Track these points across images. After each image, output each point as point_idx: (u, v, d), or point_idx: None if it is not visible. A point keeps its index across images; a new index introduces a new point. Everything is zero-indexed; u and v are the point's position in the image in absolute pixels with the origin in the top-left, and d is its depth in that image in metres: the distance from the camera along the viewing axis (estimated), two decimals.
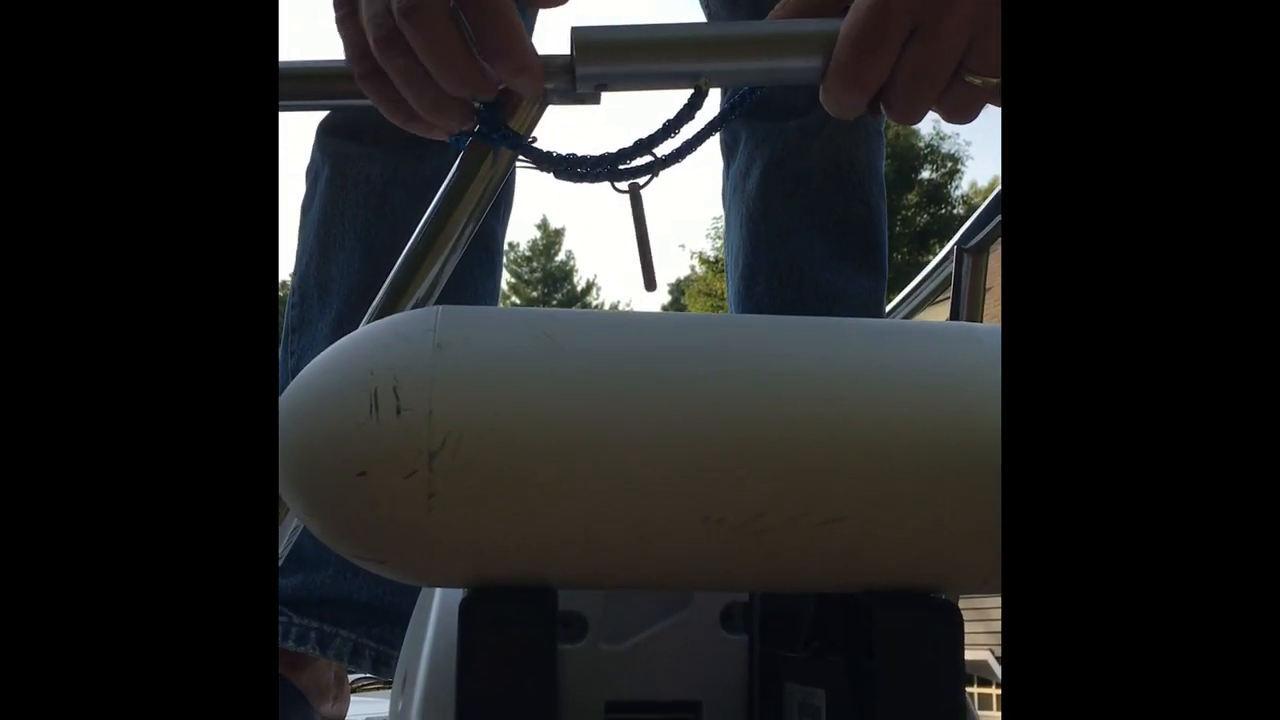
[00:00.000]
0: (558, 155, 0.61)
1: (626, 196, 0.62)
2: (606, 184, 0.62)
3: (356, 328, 0.50)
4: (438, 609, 0.55)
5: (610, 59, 0.61)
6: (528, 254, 27.24)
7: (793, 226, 1.12)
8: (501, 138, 0.61)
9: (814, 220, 1.12)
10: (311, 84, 0.68)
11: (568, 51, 0.61)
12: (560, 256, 27.39)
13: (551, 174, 0.61)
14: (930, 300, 0.99)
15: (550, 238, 27.33)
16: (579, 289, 27.04)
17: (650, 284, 0.65)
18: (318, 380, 0.45)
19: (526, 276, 26.92)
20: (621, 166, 0.61)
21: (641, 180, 0.63)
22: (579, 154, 0.61)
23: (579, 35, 0.61)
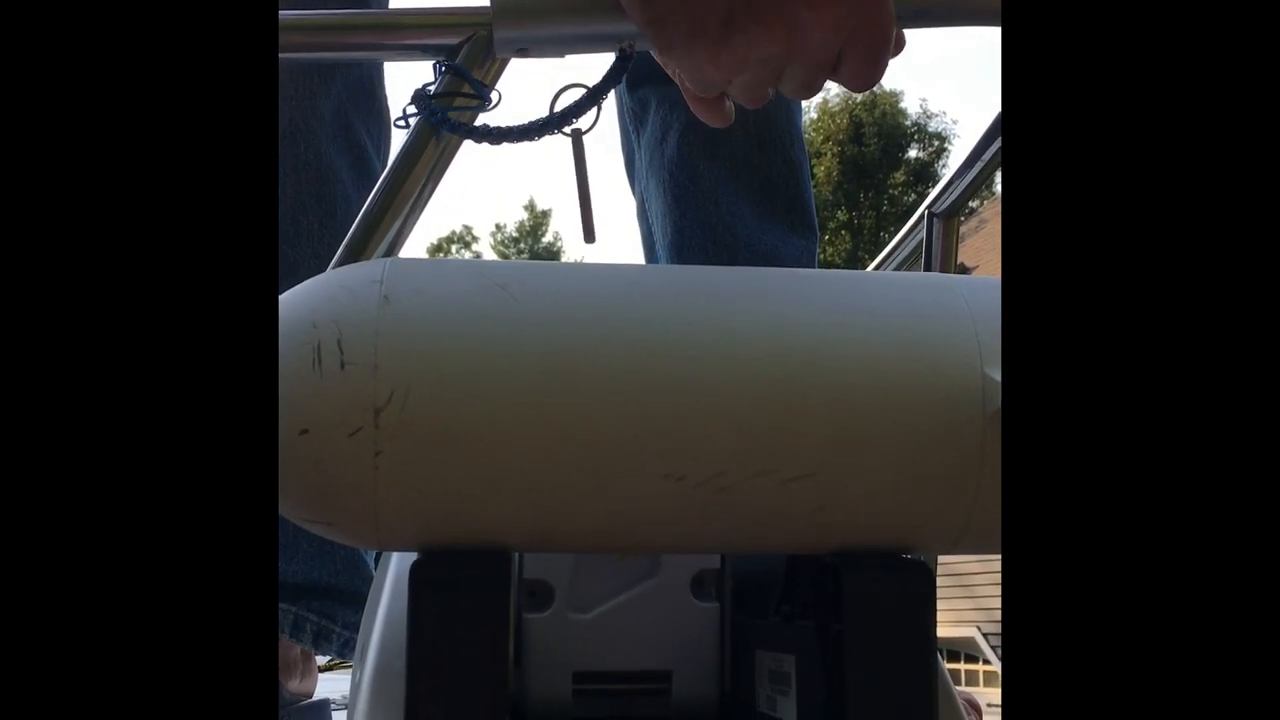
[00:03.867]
0: (484, 128, 0.60)
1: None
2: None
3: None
4: (392, 574, 0.54)
5: (530, 22, 0.59)
6: (515, 235, 27.21)
7: (719, 188, 1.10)
8: (439, 120, 0.59)
9: (738, 181, 1.11)
10: (311, 35, 0.65)
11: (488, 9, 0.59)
12: (548, 238, 27.36)
13: (488, 142, 0.60)
14: (902, 268, 0.97)
15: (537, 219, 27.31)
16: None
17: (589, 236, 0.64)
18: None
19: (514, 258, 26.90)
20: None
21: (585, 126, 0.61)
22: (503, 126, 0.60)
23: None
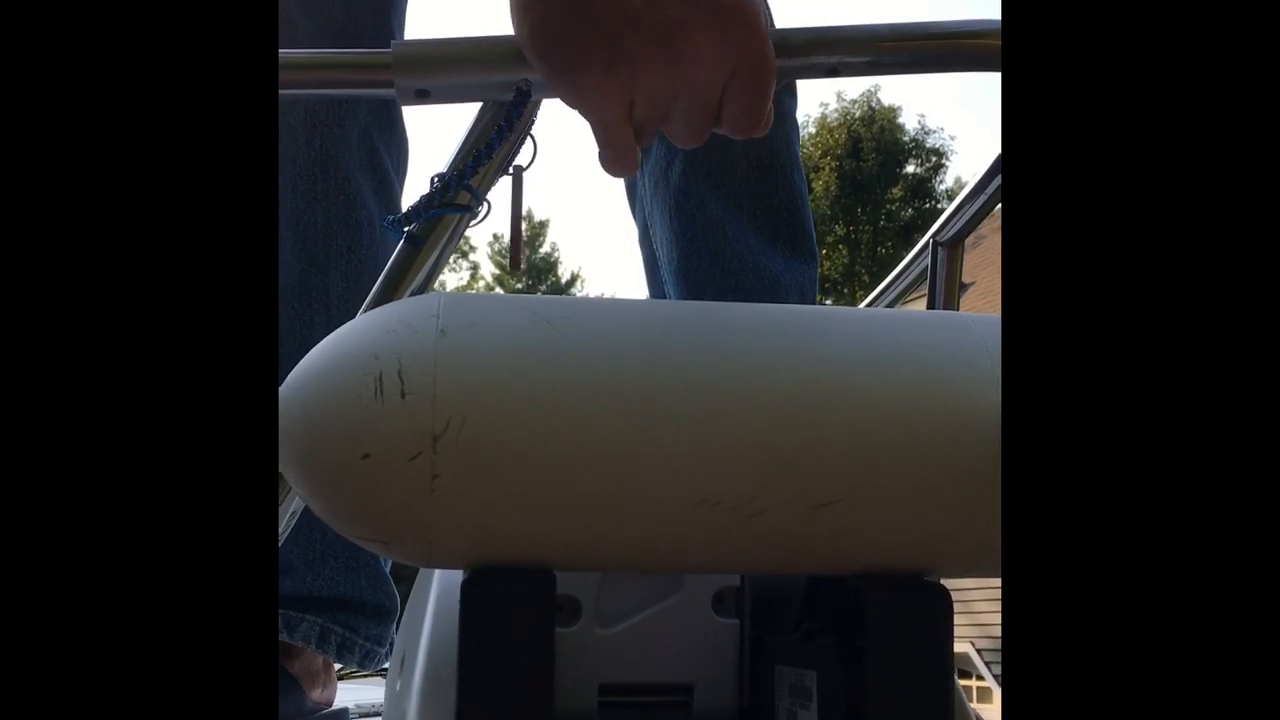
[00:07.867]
0: (456, 211, 0.64)
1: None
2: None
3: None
4: (436, 590, 0.56)
5: (428, 72, 0.62)
6: None
7: (725, 215, 1.12)
8: (413, 235, 0.63)
9: (742, 209, 1.13)
10: (311, 73, 0.68)
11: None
12: (545, 248, 27.33)
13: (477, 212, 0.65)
14: (906, 295, 0.99)
15: (535, 230, 27.28)
16: (564, 281, 27.00)
17: (516, 266, 0.67)
18: (321, 364, 0.46)
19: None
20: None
21: (525, 163, 0.65)
22: (465, 199, 0.63)
23: (398, 49, 0.62)
